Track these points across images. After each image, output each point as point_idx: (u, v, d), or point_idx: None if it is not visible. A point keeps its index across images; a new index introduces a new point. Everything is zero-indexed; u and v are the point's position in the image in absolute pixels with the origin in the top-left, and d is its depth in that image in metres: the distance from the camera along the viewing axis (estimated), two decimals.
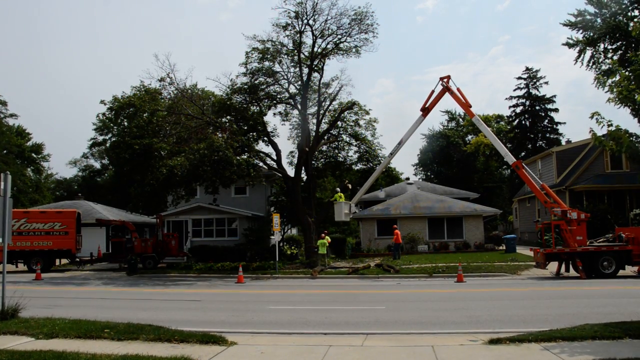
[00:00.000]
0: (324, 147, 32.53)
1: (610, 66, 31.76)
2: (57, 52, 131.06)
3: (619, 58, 31.54)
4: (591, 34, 35.57)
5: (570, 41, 36.71)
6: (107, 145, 56.62)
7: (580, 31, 36.31)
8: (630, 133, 10.83)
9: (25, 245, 28.77)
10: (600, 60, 36.25)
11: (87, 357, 8.16)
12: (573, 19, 36.11)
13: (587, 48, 36.02)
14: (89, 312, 12.75)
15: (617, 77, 10.81)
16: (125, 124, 47.23)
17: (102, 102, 49.64)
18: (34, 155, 65.02)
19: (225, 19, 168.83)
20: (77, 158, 66.58)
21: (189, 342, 9.50)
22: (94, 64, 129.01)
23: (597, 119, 10.46)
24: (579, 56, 37.11)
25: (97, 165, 64.01)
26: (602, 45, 36.08)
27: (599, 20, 34.93)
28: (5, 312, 11.32)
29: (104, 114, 53.56)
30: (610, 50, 35.55)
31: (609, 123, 10.49)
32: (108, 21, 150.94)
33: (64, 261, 31.92)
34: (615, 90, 10.66)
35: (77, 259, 30.89)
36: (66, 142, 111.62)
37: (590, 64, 36.75)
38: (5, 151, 54.25)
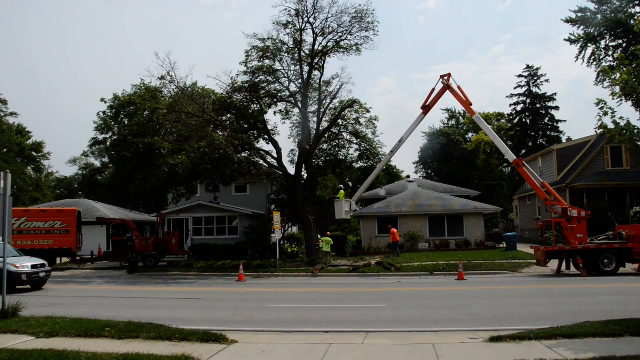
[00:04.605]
0: (325, 145, 32.48)
1: (613, 63, 31.78)
2: (57, 50, 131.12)
3: (623, 53, 31.54)
4: (592, 31, 35.56)
5: (572, 37, 36.69)
6: (108, 143, 56.62)
7: (581, 28, 36.30)
8: (634, 126, 10.91)
9: (26, 244, 28.76)
10: (602, 57, 36.23)
11: (88, 356, 8.16)
12: (574, 16, 36.09)
13: (589, 45, 36.02)
14: (89, 311, 12.76)
15: (623, 70, 10.89)
16: (126, 122, 47.22)
17: (102, 100, 49.49)
18: (34, 154, 65.03)
19: (228, 19, 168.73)
20: (77, 156, 66.76)
21: (190, 340, 9.50)
22: (94, 62, 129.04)
23: (602, 106, 10.60)
24: (580, 53, 37.09)
25: (98, 163, 64.07)
26: (603, 42, 36.08)
27: (599, 17, 34.91)
28: (6, 311, 11.34)
29: (104, 112, 53.57)
30: (612, 48, 35.54)
31: (613, 112, 10.62)
32: (109, 19, 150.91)
33: (65, 260, 31.94)
34: (619, 82, 10.74)
35: (78, 258, 30.90)
36: (66, 141, 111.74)
37: (592, 61, 36.73)
38: (5, 150, 54.24)
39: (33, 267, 19.35)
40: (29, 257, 21.05)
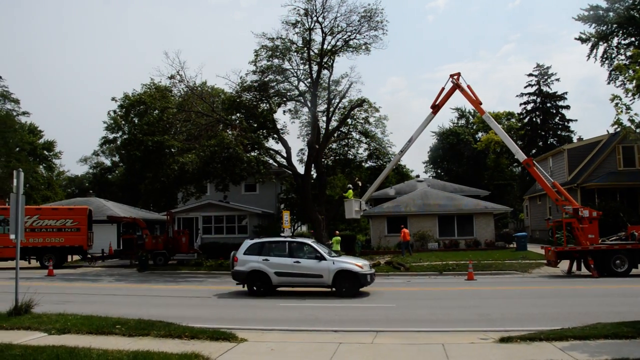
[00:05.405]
0: (334, 145, 32.48)
1: (626, 61, 31.43)
2: (68, 49, 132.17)
3: (636, 49, 31.28)
4: (604, 28, 35.20)
5: (583, 36, 36.35)
6: (118, 142, 57.04)
7: (593, 26, 35.95)
8: None
9: (38, 242, 29.05)
10: (613, 55, 35.86)
11: (99, 353, 8.22)
12: (585, 14, 35.76)
13: (600, 43, 35.66)
14: (100, 308, 12.85)
15: (637, 68, 10.78)
16: (136, 121, 47.49)
17: (113, 99, 50.04)
18: (46, 153, 65.69)
19: (237, 18, 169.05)
20: (88, 155, 67.29)
21: (200, 338, 9.55)
22: (105, 62, 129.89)
23: (617, 102, 10.54)
24: (591, 51, 36.74)
25: (108, 162, 64.60)
26: (615, 40, 35.71)
27: (611, 14, 34.57)
28: (18, 307, 11.46)
29: (114, 112, 53.98)
30: (624, 45, 35.18)
31: (628, 109, 10.55)
32: (120, 19, 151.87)
33: (76, 257, 32.20)
34: (634, 79, 10.63)
35: (89, 256, 31.14)
36: (77, 140, 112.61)
37: (604, 59, 36.36)
38: (17, 149, 54.81)
39: (371, 267, 17.64)
40: (354, 257, 19.48)
